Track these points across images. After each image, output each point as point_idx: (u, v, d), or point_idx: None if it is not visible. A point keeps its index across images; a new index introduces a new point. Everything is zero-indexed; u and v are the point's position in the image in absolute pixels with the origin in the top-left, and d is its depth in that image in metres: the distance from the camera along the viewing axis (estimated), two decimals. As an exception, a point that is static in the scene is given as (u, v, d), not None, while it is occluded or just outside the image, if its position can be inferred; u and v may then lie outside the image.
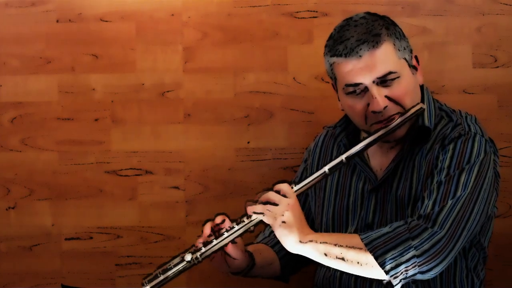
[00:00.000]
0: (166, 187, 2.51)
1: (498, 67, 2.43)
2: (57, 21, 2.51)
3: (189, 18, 2.49)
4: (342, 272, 1.99)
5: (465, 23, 2.43)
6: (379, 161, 2.05)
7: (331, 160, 1.97)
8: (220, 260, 1.96)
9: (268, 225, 1.91)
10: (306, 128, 2.48)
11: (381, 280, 1.87)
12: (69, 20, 2.51)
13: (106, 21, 2.50)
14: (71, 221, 2.53)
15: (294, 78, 2.48)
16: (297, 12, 2.47)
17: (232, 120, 2.50)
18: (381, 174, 2.02)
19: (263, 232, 2.20)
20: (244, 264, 1.98)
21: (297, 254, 1.97)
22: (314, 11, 2.46)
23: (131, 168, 2.52)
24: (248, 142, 2.50)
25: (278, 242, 2.09)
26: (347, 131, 2.10)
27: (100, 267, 2.54)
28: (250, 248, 2.05)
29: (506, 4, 2.42)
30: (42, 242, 2.54)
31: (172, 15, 2.49)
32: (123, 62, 2.51)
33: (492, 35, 2.43)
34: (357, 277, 1.97)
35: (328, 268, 2.03)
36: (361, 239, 1.84)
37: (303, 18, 2.47)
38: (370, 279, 1.94)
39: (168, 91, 2.51)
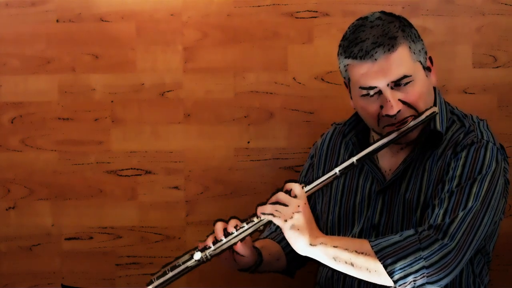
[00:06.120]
0: (166, 187, 2.51)
1: (498, 67, 2.43)
2: (57, 21, 2.51)
3: (189, 18, 2.49)
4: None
5: (465, 23, 2.43)
6: (388, 162, 2.04)
7: (338, 158, 1.96)
8: (228, 258, 1.95)
9: None
10: (306, 128, 2.48)
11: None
12: (69, 20, 2.51)
13: (106, 21, 2.50)
14: (71, 221, 2.53)
15: (294, 78, 2.48)
16: (297, 12, 2.47)
17: (232, 120, 2.50)
18: (390, 175, 2.02)
19: (269, 227, 2.18)
20: (252, 261, 1.98)
21: None
22: (314, 11, 2.46)
23: (131, 168, 2.52)
24: (248, 142, 2.50)
25: (285, 237, 2.10)
26: (356, 129, 2.10)
27: (100, 267, 2.54)
28: (257, 244, 2.04)
29: (506, 4, 2.42)
30: (42, 242, 2.54)
31: (172, 15, 2.49)
32: (123, 62, 2.51)
33: (492, 35, 2.43)
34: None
35: (332, 268, 2.04)
36: (371, 246, 1.83)
37: (303, 18, 2.47)
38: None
39: (168, 91, 2.51)
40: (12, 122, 2.53)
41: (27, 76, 2.52)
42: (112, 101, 2.52)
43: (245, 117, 2.50)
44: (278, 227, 2.13)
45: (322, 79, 2.47)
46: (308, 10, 2.47)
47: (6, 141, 2.53)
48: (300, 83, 2.48)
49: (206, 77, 2.50)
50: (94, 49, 2.51)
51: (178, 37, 2.50)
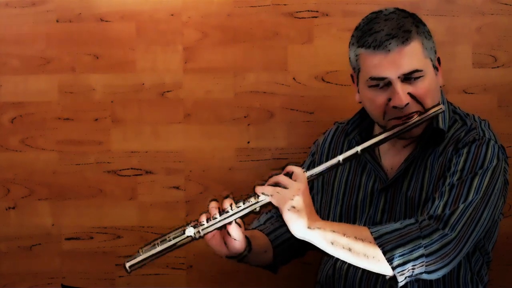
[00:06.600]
0: (166, 187, 2.51)
1: (498, 67, 2.44)
2: (57, 21, 2.51)
3: (189, 18, 2.49)
4: (347, 271, 1.99)
5: (465, 23, 2.44)
6: (390, 160, 2.05)
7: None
8: (219, 240, 1.92)
9: (263, 212, 1.89)
10: (306, 128, 2.48)
11: (386, 279, 1.87)
12: (69, 20, 2.51)
13: (106, 21, 2.50)
14: (71, 221, 2.53)
15: (294, 78, 2.48)
16: (297, 12, 2.47)
17: (232, 120, 2.50)
18: (392, 173, 2.03)
19: (257, 219, 2.18)
20: (241, 248, 1.94)
21: (291, 245, 1.97)
22: (314, 11, 2.46)
23: (131, 168, 2.52)
24: (248, 142, 2.50)
25: (273, 230, 2.09)
26: (360, 128, 2.10)
27: (100, 267, 2.54)
28: (247, 233, 2.01)
29: (506, 4, 2.42)
30: (42, 242, 2.54)
31: (172, 15, 2.49)
32: (123, 62, 2.51)
33: (492, 35, 2.43)
34: (362, 275, 1.97)
35: (333, 266, 2.04)
36: (371, 233, 1.84)
37: (303, 18, 2.47)
38: (375, 278, 1.95)
39: (168, 91, 2.51)
40: (12, 122, 2.53)
41: (27, 76, 2.52)
42: (112, 101, 2.52)
43: (245, 117, 2.50)
44: (266, 220, 2.14)
45: (322, 79, 2.47)
46: (308, 10, 2.47)
47: (6, 141, 2.53)
48: (300, 83, 2.48)
49: (206, 77, 2.50)
50: (94, 49, 2.51)
51: (178, 37, 2.50)
